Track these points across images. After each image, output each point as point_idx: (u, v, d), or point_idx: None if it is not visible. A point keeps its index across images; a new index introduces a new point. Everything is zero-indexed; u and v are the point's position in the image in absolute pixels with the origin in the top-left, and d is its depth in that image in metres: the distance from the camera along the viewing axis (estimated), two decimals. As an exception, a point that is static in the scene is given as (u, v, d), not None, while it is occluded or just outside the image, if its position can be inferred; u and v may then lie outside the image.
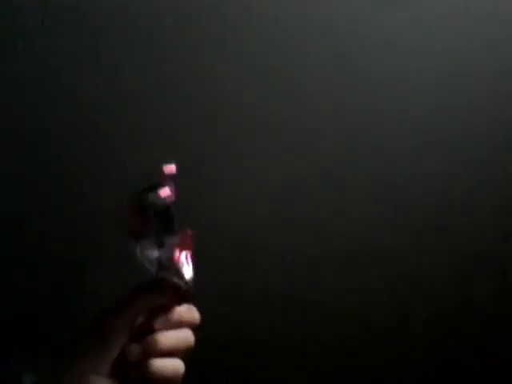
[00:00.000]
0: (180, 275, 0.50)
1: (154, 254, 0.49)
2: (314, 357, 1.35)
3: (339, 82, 1.07)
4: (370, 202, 1.16)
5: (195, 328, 0.52)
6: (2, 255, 1.42)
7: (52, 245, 1.39)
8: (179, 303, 0.51)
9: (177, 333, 0.50)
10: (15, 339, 1.55)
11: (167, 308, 0.51)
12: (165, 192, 0.50)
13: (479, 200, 1.14)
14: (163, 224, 0.49)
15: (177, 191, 0.51)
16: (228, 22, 1.06)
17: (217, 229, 1.26)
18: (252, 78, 1.10)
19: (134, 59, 1.13)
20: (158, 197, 0.49)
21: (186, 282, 0.50)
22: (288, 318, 1.32)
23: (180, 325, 0.51)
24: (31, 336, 1.54)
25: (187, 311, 0.51)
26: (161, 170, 0.52)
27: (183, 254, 0.51)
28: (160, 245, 0.49)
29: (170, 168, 0.52)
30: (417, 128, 1.10)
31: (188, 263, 0.51)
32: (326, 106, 1.10)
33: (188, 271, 0.51)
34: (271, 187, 1.19)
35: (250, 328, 1.34)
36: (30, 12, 1.09)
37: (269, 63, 1.08)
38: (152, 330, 0.49)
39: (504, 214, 1.15)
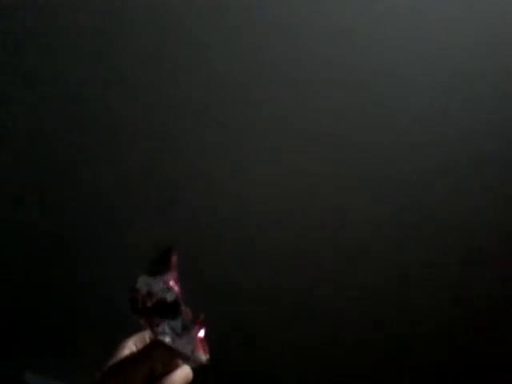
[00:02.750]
0: (199, 361, 0.55)
1: (172, 341, 0.53)
2: (314, 356, 1.35)
3: (339, 81, 1.07)
4: (371, 202, 1.17)
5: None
6: (2, 256, 1.43)
7: (52, 246, 1.39)
8: None
9: (179, 374, 0.56)
10: (17, 338, 1.55)
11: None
12: (172, 283, 0.53)
13: (479, 200, 1.14)
14: (173, 313, 0.53)
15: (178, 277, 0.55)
16: (230, 21, 1.06)
17: (217, 229, 1.26)
18: (252, 79, 1.10)
19: (134, 59, 1.13)
20: (165, 287, 0.53)
21: (202, 363, 0.55)
22: (288, 317, 1.32)
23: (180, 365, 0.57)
24: (32, 335, 1.54)
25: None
26: (166, 254, 0.55)
27: (201, 340, 0.55)
28: (177, 335, 0.53)
29: (175, 255, 0.55)
30: (417, 128, 1.10)
31: (205, 348, 0.56)
32: (326, 107, 1.10)
33: (205, 355, 0.56)
34: (271, 187, 1.20)
35: (250, 328, 1.34)
36: (30, 12, 1.09)
37: (269, 63, 1.08)
38: (155, 375, 0.55)
39: (504, 213, 1.15)
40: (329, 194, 1.17)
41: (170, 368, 0.56)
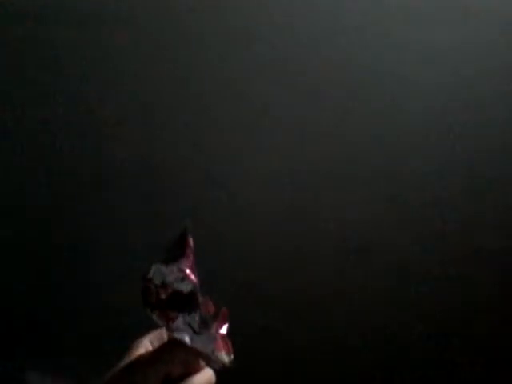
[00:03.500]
0: (221, 362, 0.48)
1: (190, 340, 0.46)
2: (314, 356, 1.35)
3: (339, 81, 1.07)
4: (371, 202, 1.17)
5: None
6: (2, 256, 1.43)
7: (52, 245, 1.39)
8: None
9: (200, 378, 0.49)
10: (17, 338, 1.55)
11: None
12: (188, 271, 0.46)
13: (479, 200, 1.14)
14: (189, 306, 0.46)
15: (196, 266, 0.48)
16: (230, 21, 1.06)
17: (217, 228, 1.26)
18: (252, 79, 1.10)
19: (134, 59, 1.13)
20: (181, 276, 0.46)
21: (225, 364, 0.49)
22: (288, 317, 1.32)
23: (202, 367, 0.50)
24: (32, 335, 1.54)
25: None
26: (182, 237, 0.49)
27: (223, 338, 0.49)
28: (195, 332, 0.46)
29: (191, 238, 0.48)
30: (417, 127, 1.10)
31: (228, 347, 0.49)
32: (326, 107, 1.10)
33: (228, 355, 0.49)
34: (271, 187, 1.20)
35: (250, 328, 1.34)
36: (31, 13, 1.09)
37: (269, 63, 1.08)
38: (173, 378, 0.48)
39: (504, 213, 1.15)
40: (328, 194, 1.17)
41: (190, 370, 0.49)
